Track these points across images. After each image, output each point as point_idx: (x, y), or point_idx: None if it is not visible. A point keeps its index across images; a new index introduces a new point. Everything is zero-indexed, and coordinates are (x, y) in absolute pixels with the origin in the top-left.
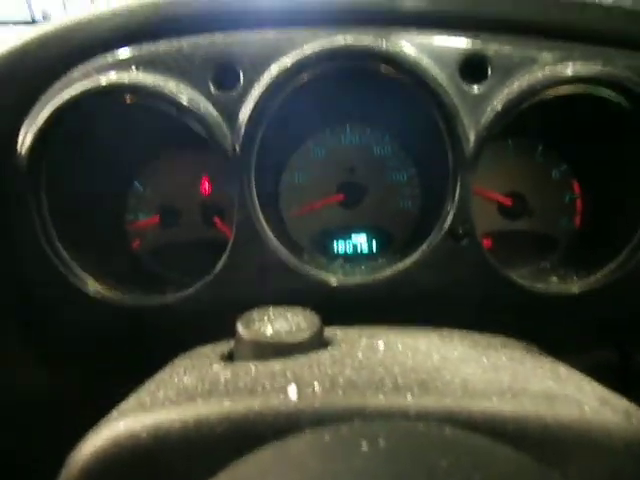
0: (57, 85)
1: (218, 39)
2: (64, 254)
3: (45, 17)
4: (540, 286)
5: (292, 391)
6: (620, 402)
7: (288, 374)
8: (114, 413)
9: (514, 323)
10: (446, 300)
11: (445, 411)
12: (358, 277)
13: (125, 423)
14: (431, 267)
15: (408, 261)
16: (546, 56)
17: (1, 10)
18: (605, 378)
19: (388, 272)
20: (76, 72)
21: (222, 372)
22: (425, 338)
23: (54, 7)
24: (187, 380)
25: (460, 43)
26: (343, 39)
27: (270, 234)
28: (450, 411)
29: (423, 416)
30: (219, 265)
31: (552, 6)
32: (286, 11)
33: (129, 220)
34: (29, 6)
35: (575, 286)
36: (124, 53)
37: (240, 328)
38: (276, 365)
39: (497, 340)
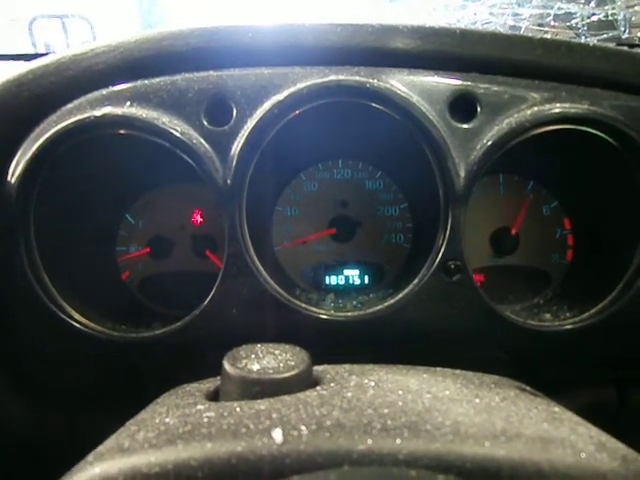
0: (51, 117)
1: (213, 74)
2: (50, 286)
3: (48, 50)
4: (533, 323)
5: (277, 434)
6: (617, 447)
7: (274, 415)
8: (90, 456)
9: (507, 360)
10: (437, 336)
11: (436, 456)
12: (349, 312)
13: (101, 467)
14: (422, 302)
15: (399, 296)
16: (534, 96)
17: (4, 43)
18: (601, 416)
19: (379, 307)
20: (71, 105)
21: (205, 412)
22: (416, 377)
23: (57, 41)
24: (169, 420)
25: (450, 82)
26: (335, 76)
27: (261, 268)
28: (441, 456)
29: (413, 461)
30: (208, 299)
31: (540, 47)
32: (281, 50)
33: (120, 252)
34: (32, 39)
35: (568, 322)
36: (119, 87)
37: (226, 365)
38: (261, 405)
39: (490, 379)
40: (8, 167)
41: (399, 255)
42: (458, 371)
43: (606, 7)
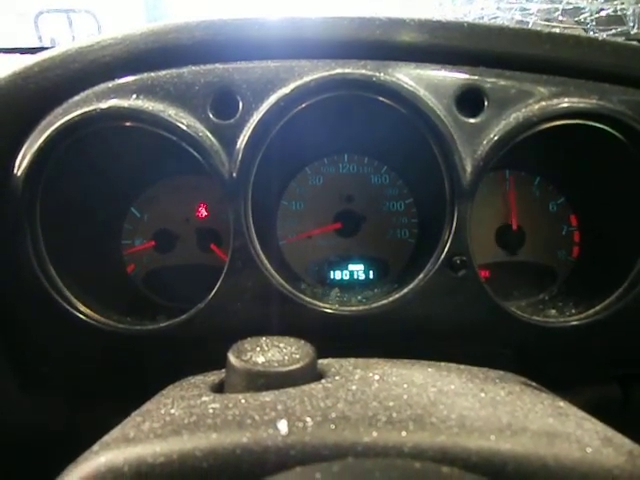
0: (58, 110)
1: (219, 67)
2: (56, 278)
3: (53, 45)
4: (538, 319)
5: (282, 425)
6: (623, 442)
7: (279, 407)
8: (95, 446)
9: (512, 356)
10: (442, 331)
11: (441, 448)
12: (354, 307)
13: (106, 456)
14: (427, 298)
15: (404, 291)
16: (542, 90)
17: (10, 37)
18: (605, 413)
19: (384, 302)
20: (77, 98)
21: (211, 404)
22: (421, 371)
23: (63, 35)
24: (174, 412)
25: (457, 76)
26: (342, 69)
27: (266, 262)
28: (446, 449)
29: (418, 454)
30: (213, 292)
31: (548, 41)
32: (287, 43)
33: (125, 245)
34: (38, 34)
35: (574, 319)
36: (125, 80)
37: (231, 357)
38: (266, 397)
39: (495, 374)
40: (14, 160)
41: (404, 250)
42: (463, 366)
43: (615, 2)
